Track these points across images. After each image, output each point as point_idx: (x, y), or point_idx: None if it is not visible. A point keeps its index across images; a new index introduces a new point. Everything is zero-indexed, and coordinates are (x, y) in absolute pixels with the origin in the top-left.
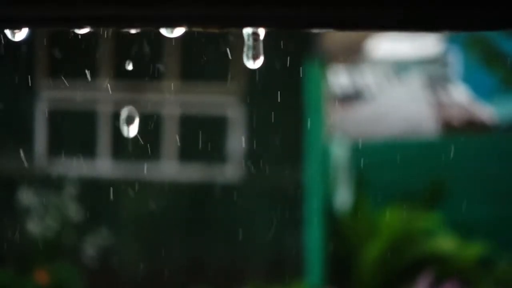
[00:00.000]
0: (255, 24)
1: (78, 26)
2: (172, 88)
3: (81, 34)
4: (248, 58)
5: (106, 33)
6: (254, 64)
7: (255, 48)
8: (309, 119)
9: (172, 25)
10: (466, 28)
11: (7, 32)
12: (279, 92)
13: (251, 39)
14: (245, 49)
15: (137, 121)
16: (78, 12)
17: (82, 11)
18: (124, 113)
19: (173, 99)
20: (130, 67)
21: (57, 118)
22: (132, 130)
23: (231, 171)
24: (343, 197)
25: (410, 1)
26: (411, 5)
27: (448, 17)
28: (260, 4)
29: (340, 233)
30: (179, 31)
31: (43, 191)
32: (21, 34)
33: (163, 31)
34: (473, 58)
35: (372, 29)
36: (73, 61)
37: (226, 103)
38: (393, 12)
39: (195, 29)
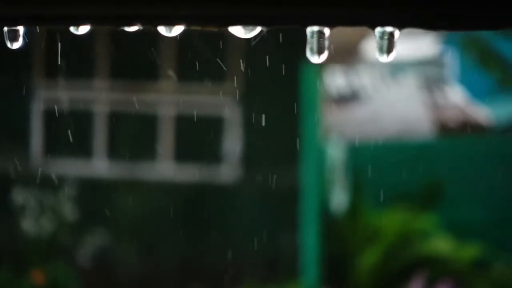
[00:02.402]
0: (253, 23)
1: (77, 25)
2: (169, 88)
3: (78, 34)
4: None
5: (103, 32)
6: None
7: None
8: (305, 120)
9: (170, 23)
10: (465, 28)
11: (6, 41)
12: (275, 93)
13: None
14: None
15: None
16: (77, 10)
17: (80, 9)
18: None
19: (169, 99)
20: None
21: (53, 118)
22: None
23: (227, 171)
24: (339, 198)
25: (410, 0)
26: (411, 4)
27: (448, 17)
28: (259, 3)
29: (336, 234)
30: (177, 30)
31: (39, 191)
32: (18, 43)
33: (162, 30)
34: (469, 59)
35: (372, 28)
36: (70, 61)
37: (222, 104)
38: (393, 11)
39: (193, 28)
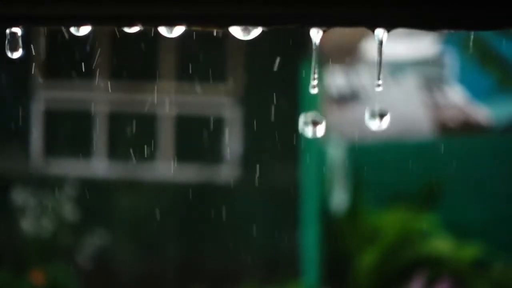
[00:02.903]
0: (253, 23)
1: (77, 25)
2: (169, 88)
3: (78, 34)
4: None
5: (103, 33)
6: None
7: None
8: None
9: (171, 24)
10: (465, 28)
11: (7, 51)
12: (275, 92)
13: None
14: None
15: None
16: (77, 10)
17: (80, 9)
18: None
19: (169, 100)
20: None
21: (53, 118)
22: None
23: (227, 171)
24: (339, 198)
25: (410, 0)
26: (411, 4)
27: (448, 17)
28: (259, 3)
29: (336, 233)
30: (178, 31)
31: (39, 191)
32: (18, 53)
33: (162, 31)
34: (469, 59)
35: (372, 28)
36: (70, 61)
37: (222, 104)
38: (393, 11)
39: (194, 28)
